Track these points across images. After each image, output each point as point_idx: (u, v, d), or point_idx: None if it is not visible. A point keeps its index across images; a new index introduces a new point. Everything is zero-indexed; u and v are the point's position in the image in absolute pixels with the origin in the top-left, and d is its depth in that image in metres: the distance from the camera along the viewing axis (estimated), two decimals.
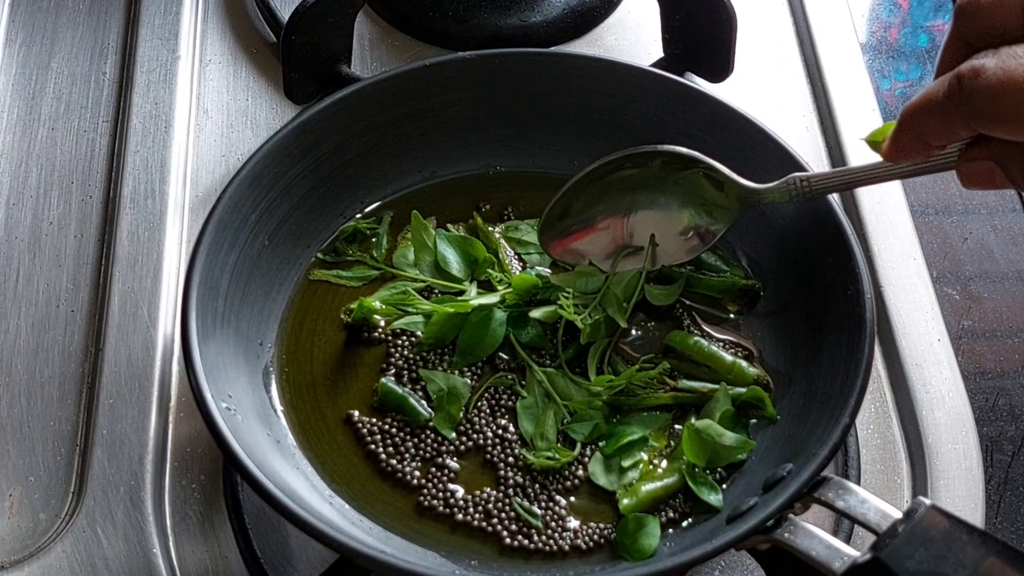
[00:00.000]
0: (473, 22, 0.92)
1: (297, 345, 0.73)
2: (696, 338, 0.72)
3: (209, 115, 0.88)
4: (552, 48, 0.90)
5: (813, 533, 0.58)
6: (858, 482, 0.70)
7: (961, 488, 0.72)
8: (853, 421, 0.62)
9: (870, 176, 0.64)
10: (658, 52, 0.89)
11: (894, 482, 0.73)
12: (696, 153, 0.70)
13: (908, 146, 0.56)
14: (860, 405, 0.62)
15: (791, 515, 0.59)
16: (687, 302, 0.74)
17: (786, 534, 0.58)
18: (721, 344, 0.72)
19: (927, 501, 0.55)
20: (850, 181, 0.66)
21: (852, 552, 0.56)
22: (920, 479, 0.73)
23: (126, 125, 0.86)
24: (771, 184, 0.68)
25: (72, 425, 0.73)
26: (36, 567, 0.67)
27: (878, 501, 0.57)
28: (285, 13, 0.86)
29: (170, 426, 0.73)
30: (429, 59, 0.78)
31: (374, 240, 0.77)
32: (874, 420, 0.75)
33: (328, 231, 0.77)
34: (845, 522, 0.67)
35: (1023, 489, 0.74)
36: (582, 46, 0.93)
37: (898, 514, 0.56)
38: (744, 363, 0.71)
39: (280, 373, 0.72)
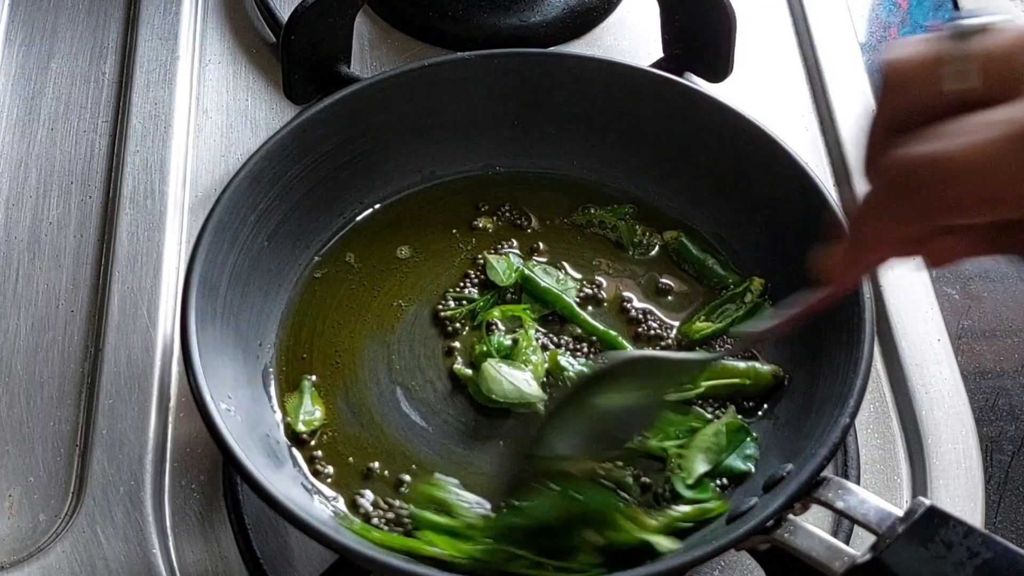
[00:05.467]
0: (473, 22, 0.92)
1: (297, 345, 0.73)
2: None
3: (209, 115, 0.88)
4: (552, 48, 0.90)
5: (813, 533, 0.58)
6: (858, 482, 0.70)
7: (961, 488, 0.72)
8: (853, 421, 0.62)
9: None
10: (658, 52, 0.89)
11: (894, 482, 0.73)
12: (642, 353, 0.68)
13: (866, 259, 0.52)
14: (860, 405, 0.62)
15: (791, 515, 0.59)
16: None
17: (786, 534, 0.58)
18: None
19: (927, 501, 0.55)
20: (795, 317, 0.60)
21: (852, 552, 0.56)
22: (920, 479, 0.73)
23: (126, 125, 0.86)
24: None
25: (72, 425, 0.73)
26: (36, 567, 0.67)
27: (878, 501, 0.57)
28: (285, 13, 0.86)
29: (170, 426, 0.73)
30: (429, 59, 0.78)
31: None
32: (874, 420, 0.75)
33: (328, 231, 0.77)
34: (845, 522, 0.67)
35: (1023, 489, 0.74)
36: (582, 46, 0.93)
37: (898, 514, 0.56)
38: (756, 364, 0.71)
39: (280, 373, 0.72)
